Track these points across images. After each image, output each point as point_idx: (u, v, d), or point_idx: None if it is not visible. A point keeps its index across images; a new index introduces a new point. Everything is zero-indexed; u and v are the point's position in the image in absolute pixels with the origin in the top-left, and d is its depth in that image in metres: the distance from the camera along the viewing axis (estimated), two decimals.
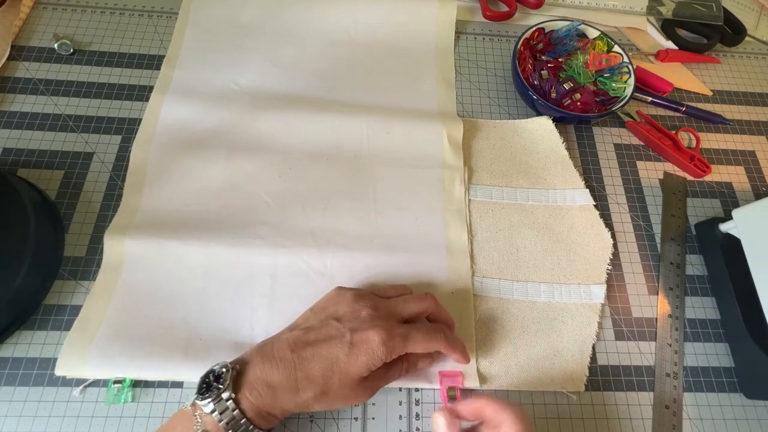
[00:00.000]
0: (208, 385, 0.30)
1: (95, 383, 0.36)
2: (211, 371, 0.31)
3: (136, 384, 0.36)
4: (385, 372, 0.34)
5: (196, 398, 0.29)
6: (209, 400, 0.29)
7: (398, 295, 0.37)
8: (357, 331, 0.32)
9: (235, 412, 0.29)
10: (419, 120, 0.48)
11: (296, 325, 0.34)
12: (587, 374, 0.39)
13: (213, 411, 0.29)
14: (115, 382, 0.35)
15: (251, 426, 0.29)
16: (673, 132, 0.51)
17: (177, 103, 0.47)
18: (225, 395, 0.29)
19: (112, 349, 0.36)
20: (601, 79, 0.50)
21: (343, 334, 0.32)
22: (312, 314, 0.35)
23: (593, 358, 0.40)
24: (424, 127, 0.48)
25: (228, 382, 0.29)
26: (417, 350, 0.33)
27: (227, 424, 0.28)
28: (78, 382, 0.36)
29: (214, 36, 0.52)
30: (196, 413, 0.29)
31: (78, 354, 0.36)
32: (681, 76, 0.56)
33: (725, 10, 0.60)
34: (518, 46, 0.50)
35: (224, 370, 0.30)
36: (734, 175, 0.50)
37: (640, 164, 0.50)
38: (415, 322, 0.36)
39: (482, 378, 0.38)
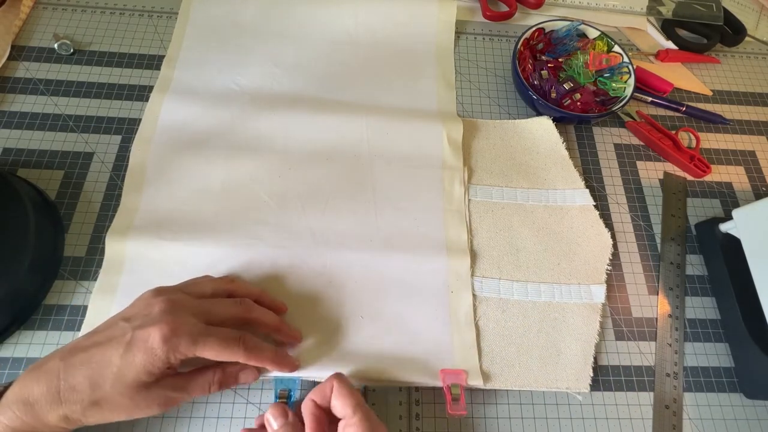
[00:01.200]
0: None
1: None
2: None
3: None
4: (185, 382, 0.31)
5: None
6: None
7: (213, 292, 0.33)
8: (140, 329, 0.28)
9: None
10: (419, 120, 0.48)
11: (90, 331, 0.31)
12: (592, 374, 0.39)
13: None
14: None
15: None
16: (673, 132, 0.51)
17: (177, 103, 0.47)
18: None
19: None
20: (601, 79, 0.50)
21: (125, 333, 0.28)
22: (110, 318, 0.31)
23: (593, 359, 0.40)
24: (424, 127, 0.48)
25: None
26: (209, 356, 0.30)
27: None
28: None
29: (214, 36, 0.52)
30: None
31: None
32: (681, 76, 0.56)
33: (725, 10, 0.60)
34: (518, 46, 0.50)
35: None
36: (734, 175, 0.50)
37: (640, 164, 0.50)
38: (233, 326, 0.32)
39: (485, 377, 0.37)
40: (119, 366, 0.27)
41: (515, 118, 0.51)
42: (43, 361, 0.28)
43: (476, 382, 0.37)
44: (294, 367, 0.34)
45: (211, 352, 0.29)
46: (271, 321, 0.34)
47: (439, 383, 0.37)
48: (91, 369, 0.27)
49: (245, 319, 0.33)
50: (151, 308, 0.30)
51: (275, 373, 0.35)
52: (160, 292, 0.31)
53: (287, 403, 0.34)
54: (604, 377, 0.39)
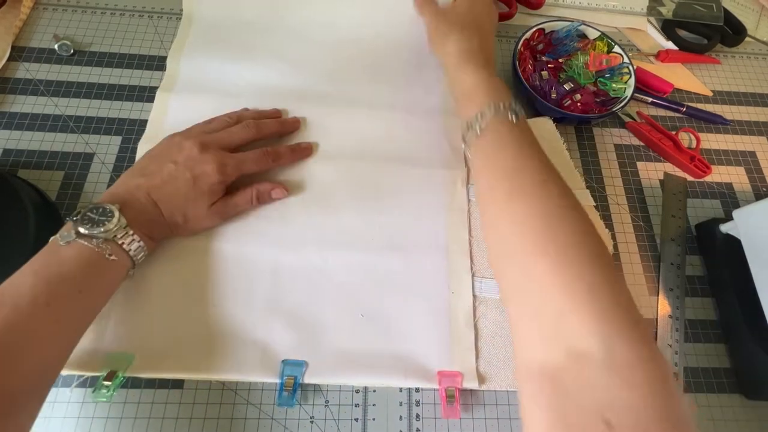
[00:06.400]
0: (94, 222, 0.33)
1: (91, 382, 0.36)
2: (88, 211, 0.33)
3: (134, 384, 0.36)
4: (234, 199, 0.40)
5: (100, 232, 0.32)
6: (125, 234, 0.34)
7: (224, 128, 0.42)
8: (194, 168, 0.37)
9: (136, 244, 0.35)
10: (422, 119, 0.48)
11: (140, 171, 0.37)
12: None
13: (127, 242, 0.34)
14: (105, 378, 0.34)
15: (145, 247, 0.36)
16: (674, 132, 0.51)
17: (183, 102, 0.47)
18: (130, 231, 0.34)
19: (120, 344, 0.36)
20: (601, 79, 0.50)
21: (185, 173, 0.37)
22: (150, 161, 0.38)
23: None
24: (427, 126, 0.48)
25: (119, 220, 0.34)
26: (250, 171, 0.40)
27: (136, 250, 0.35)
28: (66, 381, 0.36)
29: (219, 33, 0.52)
30: (104, 246, 0.33)
31: (86, 349, 0.36)
32: (681, 77, 0.56)
33: (725, 11, 0.60)
34: (518, 47, 0.50)
35: (108, 209, 0.33)
36: (734, 176, 0.50)
37: (640, 165, 0.50)
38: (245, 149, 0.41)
39: (481, 378, 0.38)
40: (194, 195, 0.37)
41: None
42: (131, 197, 0.35)
43: (471, 384, 0.37)
44: (309, 149, 0.45)
45: (251, 167, 0.41)
46: (274, 127, 0.44)
47: (435, 385, 0.37)
48: (173, 202, 0.37)
49: (256, 137, 0.42)
50: (190, 152, 0.38)
51: (257, 380, 0.35)
52: (187, 137, 0.39)
53: (293, 389, 0.35)
54: None
